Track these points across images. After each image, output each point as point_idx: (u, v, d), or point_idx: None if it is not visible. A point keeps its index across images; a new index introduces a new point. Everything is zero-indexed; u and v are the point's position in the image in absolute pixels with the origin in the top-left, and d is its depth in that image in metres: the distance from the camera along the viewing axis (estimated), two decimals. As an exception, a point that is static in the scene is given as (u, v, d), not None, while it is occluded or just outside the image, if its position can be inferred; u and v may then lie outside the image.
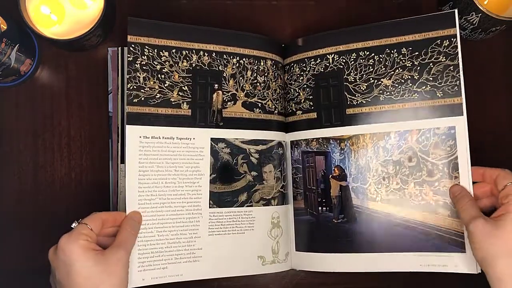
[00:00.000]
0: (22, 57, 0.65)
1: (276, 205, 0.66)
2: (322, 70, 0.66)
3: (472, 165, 0.59)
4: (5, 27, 0.61)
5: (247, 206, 0.65)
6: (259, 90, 0.67)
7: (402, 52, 0.62)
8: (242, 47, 0.66)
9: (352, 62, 0.65)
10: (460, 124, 0.59)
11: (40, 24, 0.65)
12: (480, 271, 0.55)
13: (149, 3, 0.72)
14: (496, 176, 0.57)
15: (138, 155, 0.59)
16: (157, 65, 0.62)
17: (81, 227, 0.52)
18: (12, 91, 0.70)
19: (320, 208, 0.67)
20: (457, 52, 0.60)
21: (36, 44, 0.69)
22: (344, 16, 0.74)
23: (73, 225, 0.53)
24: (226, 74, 0.65)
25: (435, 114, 0.61)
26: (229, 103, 0.65)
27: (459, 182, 0.59)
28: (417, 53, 0.62)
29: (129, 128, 0.59)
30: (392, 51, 0.63)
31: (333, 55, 0.66)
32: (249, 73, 0.66)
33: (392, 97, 0.63)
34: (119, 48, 0.69)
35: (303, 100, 0.67)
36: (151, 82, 0.61)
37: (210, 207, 0.63)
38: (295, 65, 0.68)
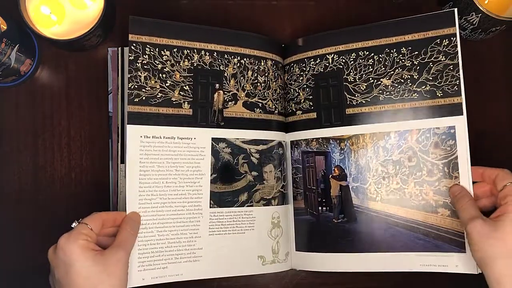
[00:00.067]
0: (22, 57, 0.65)
1: (276, 205, 0.66)
2: (322, 70, 0.66)
3: (472, 165, 0.59)
4: (5, 27, 0.61)
5: (248, 206, 0.65)
6: (260, 90, 0.67)
7: (402, 51, 0.62)
8: (243, 47, 0.66)
9: (352, 62, 0.65)
10: (460, 124, 0.59)
11: (40, 24, 0.65)
12: (480, 272, 0.55)
13: (149, 3, 0.72)
14: (495, 176, 0.57)
15: (139, 155, 0.59)
16: (158, 64, 0.62)
17: (81, 227, 0.52)
18: (12, 91, 0.70)
19: (320, 208, 0.67)
20: (457, 51, 0.60)
21: (36, 44, 0.69)
22: (344, 16, 0.74)
23: (73, 224, 0.53)
24: (227, 74, 0.65)
25: (435, 113, 0.61)
26: (230, 103, 0.65)
27: (459, 182, 0.59)
28: (417, 52, 0.62)
29: (130, 128, 0.59)
30: (392, 51, 0.63)
31: (332, 55, 0.66)
32: (250, 73, 0.66)
33: (392, 97, 0.63)
34: (119, 48, 0.69)
35: (303, 100, 0.67)
36: (152, 82, 0.61)
37: (210, 207, 0.63)
38: (295, 65, 0.68)
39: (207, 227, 0.62)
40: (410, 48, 0.62)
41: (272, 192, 0.66)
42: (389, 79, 0.63)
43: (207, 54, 0.64)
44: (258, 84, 0.67)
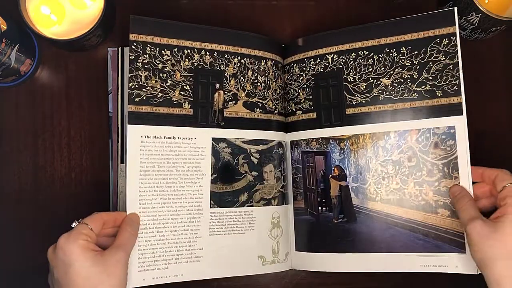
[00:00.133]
0: (22, 57, 0.65)
1: (276, 205, 0.66)
2: (322, 70, 0.66)
3: (471, 165, 0.59)
4: (5, 27, 0.61)
5: (248, 206, 0.65)
6: (260, 90, 0.67)
7: (402, 51, 0.62)
8: (243, 47, 0.66)
9: (352, 62, 0.65)
10: (460, 123, 0.59)
11: (40, 24, 0.65)
12: (480, 272, 0.55)
13: (149, 3, 0.72)
14: (494, 176, 0.57)
15: (139, 155, 0.59)
16: (159, 64, 0.62)
17: (81, 226, 0.52)
18: (12, 91, 0.70)
19: (320, 208, 0.67)
20: (457, 50, 0.60)
21: (36, 44, 0.69)
22: (344, 16, 0.74)
23: (73, 224, 0.53)
24: (228, 74, 0.65)
25: (435, 113, 0.60)
26: (230, 102, 0.65)
27: (459, 182, 0.59)
28: (417, 52, 0.62)
29: (130, 128, 0.59)
30: (392, 51, 0.63)
31: (332, 55, 0.66)
32: (250, 73, 0.66)
33: (392, 96, 0.63)
34: (119, 48, 0.69)
35: (303, 100, 0.67)
36: (153, 81, 0.61)
37: (211, 207, 0.63)
38: (295, 65, 0.68)
39: (207, 227, 0.62)
40: (410, 47, 0.62)
41: (272, 192, 0.66)
42: (389, 79, 0.63)
43: (208, 54, 0.64)
44: (258, 84, 0.67)
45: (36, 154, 0.69)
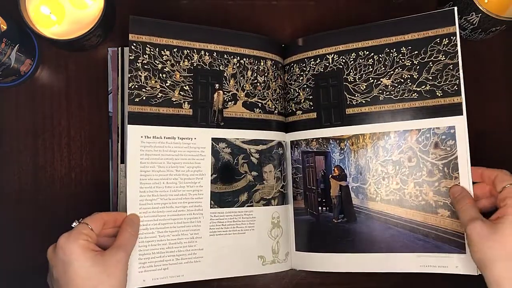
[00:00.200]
0: (22, 57, 0.65)
1: (276, 205, 0.66)
2: (322, 70, 0.66)
3: (471, 165, 0.58)
4: (5, 27, 0.61)
5: (248, 206, 0.65)
6: (259, 90, 0.67)
7: (402, 51, 0.62)
8: (242, 47, 0.66)
9: (352, 62, 0.65)
10: (460, 123, 0.59)
11: (40, 24, 0.65)
12: (480, 273, 0.55)
13: (149, 3, 0.72)
14: (494, 177, 0.57)
15: (140, 155, 0.59)
16: (158, 64, 0.62)
17: (82, 226, 0.52)
18: (12, 91, 0.70)
19: (320, 208, 0.67)
20: (457, 50, 0.60)
21: (36, 44, 0.69)
22: (344, 16, 0.74)
23: (74, 224, 0.53)
24: (227, 74, 0.65)
25: (435, 113, 0.60)
26: (229, 103, 0.65)
27: (459, 183, 0.59)
28: (417, 52, 0.62)
29: (130, 128, 0.59)
30: (392, 51, 0.63)
31: (332, 55, 0.66)
32: (249, 73, 0.66)
33: (392, 96, 0.63)
34: (119, 48, 0.69)
35: (303, 100, 0.67)
36: (153, 81, 0.61)
37: (211, 207, 0.63)
38: (295, 65, 0.68)
39: (207, 227, 0.62)
40: (410, 47, 0.62)
41: (272, 192, 0.66)
42: (389, 79, 0.63)
43: (207, 54, 0.64)
44: (258, 84, 0.67)
45: (36, 154, 0.69)
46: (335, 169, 0.66)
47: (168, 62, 0.62)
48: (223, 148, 0.64)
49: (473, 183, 0.59)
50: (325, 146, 0.66)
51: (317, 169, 0.67)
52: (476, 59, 0.72)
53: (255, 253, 0.64)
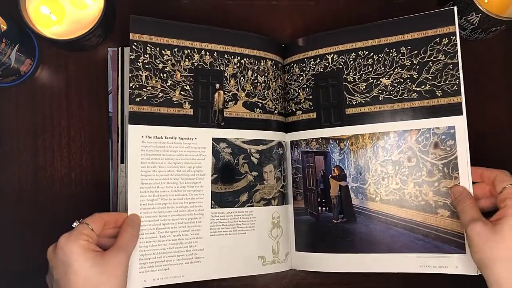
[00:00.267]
0: (22, 57, 0.65)
1: (276, 205, 0.66)
2: (322, 70, 0.66)
3: (471, 165, 0.58)
4: (5, 27, 0.61)
5: (248, 206, 0.65)
6: (260, 90, 0.67)
7: (401, 51, 0.62)
8: (243, 47, 0.66)
9: (351, 61, 0.65)
10: (460, 123, 0.59)
11: (40, 24, 0.65)
12: (480, 273, 0.55)
13: (149, 3, 0.72)
14: (494, 177, 0.57)
15: (140, 155, 0.59)
16: (159, 63, 0.62)
17: (82, 227, 0.52)
18: (12, 91, 0.70)
19: (319, 208, 0.67)
20: (457, 50, 0.60)
21: (36, 44, 0.69)
22: (344, 16, 0.74)
23: (74, 224, 0.53)
24: (227, 74, 0.65)
25: (435, 113, 0.60)
26: (230, 103, 0.65)
27: (459, 183, 0.59)
28: (416, 52, 0.62)
29: (131, 128, 0.59)
30: (391, 50, 0.63)
31: (332, 55, 0.66)
32: (249, 73, 0.66)
33: (391, 96, 0.63)
34: (119, 48, 0.69)
35: (302, 100, 0.67)
36: (153, 81, 0.61)
37: (211, 208, 0.62)
38: (295, 65, 0.68)
39: (208, 227, 0.62)
40: (409, 47, 0.62)
41: (272, 192, 0.66)
42: (389, 78, 0.63)
43: (208, 54, 0.64)
44: (258, 84, 0.67)
45: (36, 154, 0.69)
46: (335, 169, 0.66)
47: (169, 61, 0.62)
48: (224, 148, 0.64)
49: (473, 183, 0.59)
50: (324, 146, 0.66)
51: (316, 169, 0.67)
52: (476, 59, 0.72)
53: (255, 253, 0.64)
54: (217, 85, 0.64)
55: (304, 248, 0.66)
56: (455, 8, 0.60)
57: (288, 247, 0.67)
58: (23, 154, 0.69)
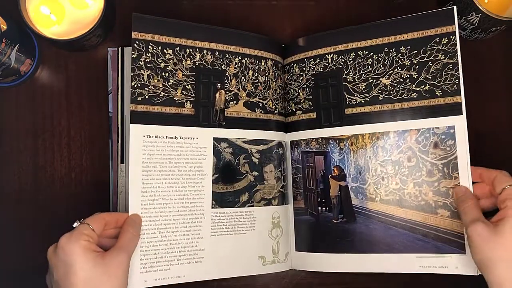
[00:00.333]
0: (22, 57, 0.65)
1: (277, 205, 0.66)
2: (321, 70, 0.66)
3: (471, 165, 0.58)
4: (5, 27, 0.61)
5: (249, 206, 0.65)
6: (260, 90, 0.67)
7: (401, 51, 0.62)
8: (244, 47, 0.66)
9: (351, 61, 0.65)
10: (460, 123, 0.59)
11: (40, 24, 0.65)
12: (480, 273, 0.55)
13: (149, 3, 0.72)
14: (493, 178, 0.57)
15: (142, 155, 0.59)
16: (161, 63, 0.62)
17: (83, 227, 0.52)
18: (12, 91, 0.70)
19: (319, 208, 0.67)
20: (456, 49, 0.60)
21: (36, 44, 0.69)
22: (344, 16, 0.74)
23: (75, 224, 0.53)
24: (229, 74, 0.65)
25: (434, 113, 0.60)
26: (231, 102, 0.65)
27: (458, 183, 0.59)
28: (416, 51, 0.62)
29: (133, 127, 0.59)
30: (391, 50, 0.63)
31: (332, 55, 0.66)
32: (250, 72, 0.66)
33: (391, 96, 0.63)
34: (119, 48, 0.69)
35: (302, 100, 0.67)
36: (155, 80, 0.61)
37: (212, 208, 0.62)
38: (294, 65, 0.68)
39: (209, 228, 0.62)
40: (409, 47, 0.62)
41: (273, 192, 0.66)
42: (388, 78, 0.63)
43: (209, 53, 0.64)
44: (259, 84, 0.67)
45: (36, 154, 0.69)
46: (335, 169, 0.66)
47: (171, 60, 0.62)
48: (225, 148, 0.64)
49: (473, 183, 0.59)
50: (324, 146, 0.66)
51: (316, 169, 0.67)
52: (476, 59, 0.72)
53: (255, 253, 0.64)
54: (219, 84, 0.64)
55: (304, 248, 0.66)
56: (455, 8, 0.60)
57: (288, 247, 0.67)
58: (23, 154, 0.69)
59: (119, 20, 0.71)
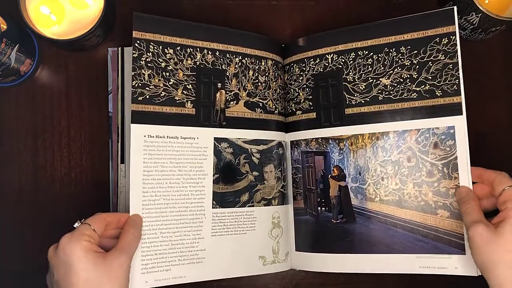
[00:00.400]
0: (22, 57, 0.65)
1: (277, 205, 0.66)
2: (322, 70, 0.66)
3: (471, 165, 0.58)
4: (5, 27, 0.61)
5: (249, 206, 0.65)
6: (261, 90, 0.67)
7: (401, 51, 0.62)
8: (244, 47, 0.66)
9: (351, 61, 0.65)
10: (460, 123, 0.59)
11: (40, 24, 0.65)
12: (479, 274, 0.55)
13: (149, 3, 0.72)
14: (493, 179, 0.57)
15: (143, 155, 0.59)
16: (162, 62, 0.61)
17: (84, 227, 0.52)
18: (12, 91, 0.70)
19: (319, 208, 0.67)
20: (456, 50, 0.60)
21: (36, 44, 0.69)
22: (344, 16, 0.74)
23: (76, 224, 0.53)
24: (229, 74, 0.65)
25: (434, 113, 0.60)
26: (231, 102, 0.65)
27: (458, 183, 0.59)
28: (416, 51, 0.62)
29: (134, 127, 0.59)
30: (391, 50, 0.63)
31: (332, 55, 0.66)
32: (251, 72, 0.66)
33: (391, 96, 0.63)
34: (119, 48, 0.69)
35: (302, 100, 0.67)
36: (156, 80, 0.61)
37: (213, 208, 0.62)
38: (294, 65, 0.68)
39: (209, 228, 0.62)
40: (409, 47, 0.62)
41: (273, 192, 0.66)
42: (388, 78, 0.63)
43: (210, 53, 0.64)
44: (259, 84, 0.67)
45: (36, 154, 0.69)
46: (334, 169, 0.66)
47: (172, 60, 0.62)
48: (225, 148, 0.64)
49: (473, 183, 0.59)
50: (324, 146, 0.66)
51: (316, 169, 0.67)
52: (476, 59, 0.72)
53: (256, 253, 0.64)
54: (219, 84, 0.64)
55: (304, 248, 0.66)
56: (455, 8, 0.60)
57: (288, 247, 0.67)
58: (23, 154, 0.69)
59: (119, 20, 0.71)
